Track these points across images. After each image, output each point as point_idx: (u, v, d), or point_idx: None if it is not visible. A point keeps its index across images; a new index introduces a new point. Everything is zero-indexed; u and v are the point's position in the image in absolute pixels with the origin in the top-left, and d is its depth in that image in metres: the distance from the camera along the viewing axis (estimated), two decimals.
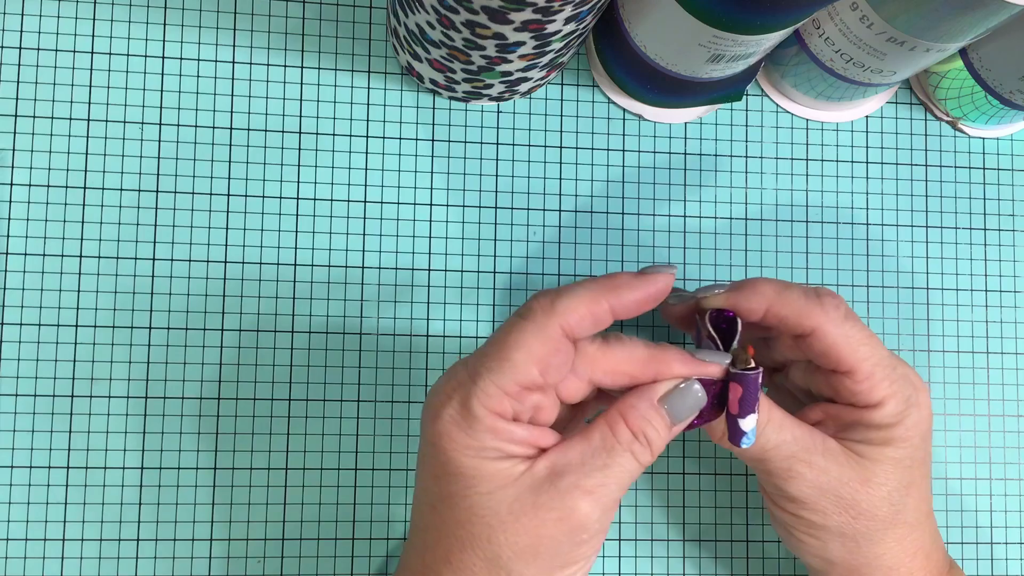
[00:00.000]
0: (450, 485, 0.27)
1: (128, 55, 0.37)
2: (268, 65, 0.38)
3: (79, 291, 0.36)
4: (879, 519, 0.31)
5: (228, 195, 0.38)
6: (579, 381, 0.29)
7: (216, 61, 0.38)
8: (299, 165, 0.38)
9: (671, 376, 0.29)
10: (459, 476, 0.27)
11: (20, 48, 0.37)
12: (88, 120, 0.37)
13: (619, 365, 0.29)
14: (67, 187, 0.37)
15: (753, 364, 0.29)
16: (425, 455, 0.29)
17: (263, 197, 0.38)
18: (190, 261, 0.37)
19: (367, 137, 0.38)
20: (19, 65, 0.37)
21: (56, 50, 0.37)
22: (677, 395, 0.28)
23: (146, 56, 0.37)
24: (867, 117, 0.42)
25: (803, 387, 0.34)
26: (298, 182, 0.38)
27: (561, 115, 0.40)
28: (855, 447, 0.31)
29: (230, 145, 0.38)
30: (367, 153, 0.38)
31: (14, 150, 0.37)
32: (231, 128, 0.38)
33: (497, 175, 0.39)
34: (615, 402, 0.29)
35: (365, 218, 0.38)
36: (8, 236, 0.36)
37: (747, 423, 0.29)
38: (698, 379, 0.29)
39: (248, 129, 0.38)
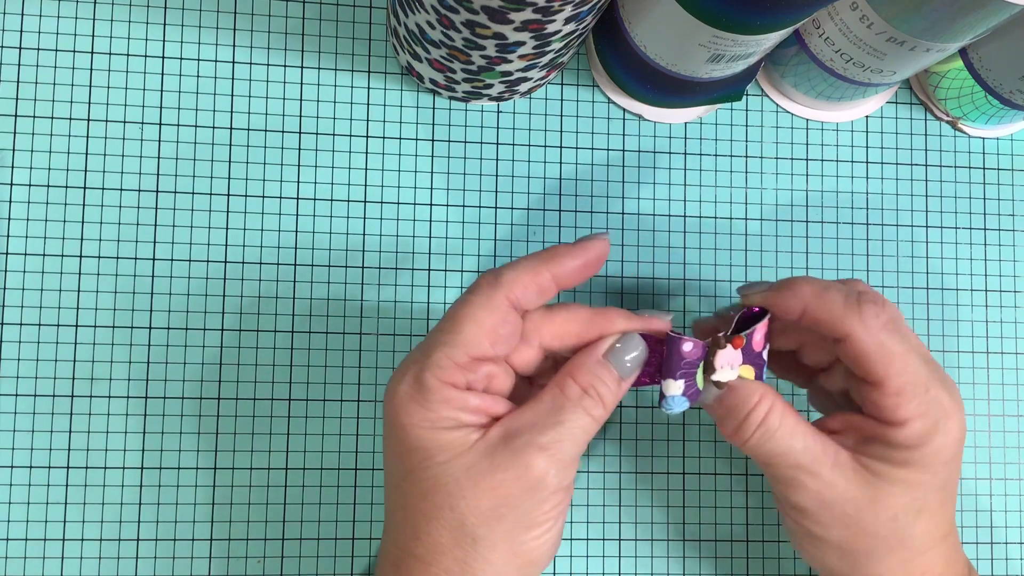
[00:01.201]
0: (410, 461, 0.28)
1: (128, 55, 0.37)
2: (268, 65, 0.38)
3: (79, 291, 0.36)
4: (881, 539, 0.30)
5: (228, 195, 0.38)
6: (530, 348, 0.30)
7: (216, 61, 0.38)
8: (299, 165, 0.38)
9: (614, 331, 0.30)
10: (417, 450, 0.28)
11: (20, 48, 0.37)
12: (88, 120, 0.37)
13: (564, 326, 0.30)
14: (67, 187, 0.37)
15: (691, 336, 0.30)
16: (386, 436, 0.29)
17: (263, 197, 0.38)
18: (190, 261, 0.37)
19: (367, 137, 0.38)
20: (19, 65, 0.37)
21: (56, 50, 0.37)
22: (620, 348, 0.29)
23: (146, 56, 0.38)
24: (867, 117, 0.42)
25: (842, 391, 0.33)
26: (298, 182, 0.38)
27: (561, 115, 0.40)
28: (870, 463, 0.30)
29: (230, 145, 0.38)
30: (367, 153, 0.38)
31: (14, 150, 0.37)
32: (231, 128, 0.38)
33: (497, 175, 0.39)
34: (564, 364, 0.29)
35: (365, 218, 0.38)
36: (8, 236, 0.36)
37: (668, 387, 0.30)
38: (643, 336, 0.30)
39: (248, 129, 0.38)
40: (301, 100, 0.38)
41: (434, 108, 0.39)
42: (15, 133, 0.37)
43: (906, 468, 0.29)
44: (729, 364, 0.30)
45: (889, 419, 0.29)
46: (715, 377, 0.30)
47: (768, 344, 0.32)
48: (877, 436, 0.30)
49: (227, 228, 0.37)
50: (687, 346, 0.29)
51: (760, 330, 0.31)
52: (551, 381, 0.29)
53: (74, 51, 0.37)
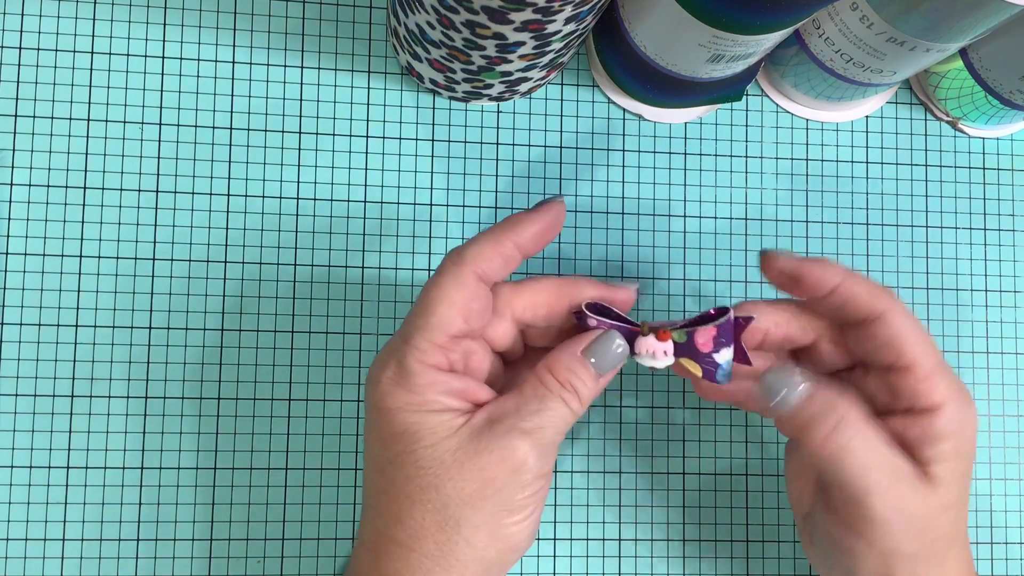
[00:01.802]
0: (396, 445, 0.28)
1: (128, 55, 0.37)
2: (268, 65, 0.38)
3: (79, 291, 0.36)
4: (943, 538, 0.30)
5: (228, 195, 0.38)
6: (503, 322, 0.31)
7: (216, 61, 0.38)
8: (299, 165, 0.38)
9: (583, 299, 0.31)
10: (403, 435, 0.28)
11: (20, 48, 0.37)
12: (88, 120, 0.37)
13: (534, 296, 0.31)
14: (67, 187, 0.37)
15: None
16: (370, 423, 0.30)
17: (263, 197, 0.38)
18: (190, 261, 0.37)
19: (367, 137, 0.38)
20: (19, 65, 0.37)
21: (56, 50, 0.37)
22: (598, 345, 0.30)
23: (146, 56, 0.38)
24: (867, 117, 0.42)
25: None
26: (298, 182, 0.38)
27: (561, 115, 0.40)
28: (926, 468, 0.29)
29: (230, 145, 0.38)
30: (367, 153, 0.38)
31: (14, 150, 0.37)
32: (231, 128, 0.38)
33: (497, 175, 0.39)
34: (543, 357, 0.30)
35: (365, 218, 0.38)
36: (8, 236, 0.36)
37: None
38: (617, 327, 0.30)
39: (248, 129, 0.38)
40: (301, 100, 0.38)
41: (434, 108, 0.39)
42: (15, 133, 0.37)
43: (952, 460, 0.29)
44: (649, 352, 0.30)
45: (925, 405, 0.29)
46: (637, 359, 0.30)
47: (729, 346, 0.30)
48: (921, 435, 0.29)
49: (227, 228, 0.37)
50: (591, 322, 0.30)
51: (704, 332, 0.30)
52: (531, 372, 0.30)
53: (74, 51, 0.37)
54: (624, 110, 0.40)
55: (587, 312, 0.30)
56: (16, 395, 0.36)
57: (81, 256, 0.37)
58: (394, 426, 0.28)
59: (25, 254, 0.36)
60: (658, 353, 0.30)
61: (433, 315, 0.28)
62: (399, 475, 0.28)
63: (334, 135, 0.38)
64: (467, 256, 0.29)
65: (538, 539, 0.38)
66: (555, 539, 0.38)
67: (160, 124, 0.37)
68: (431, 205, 0.39)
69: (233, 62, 0.38)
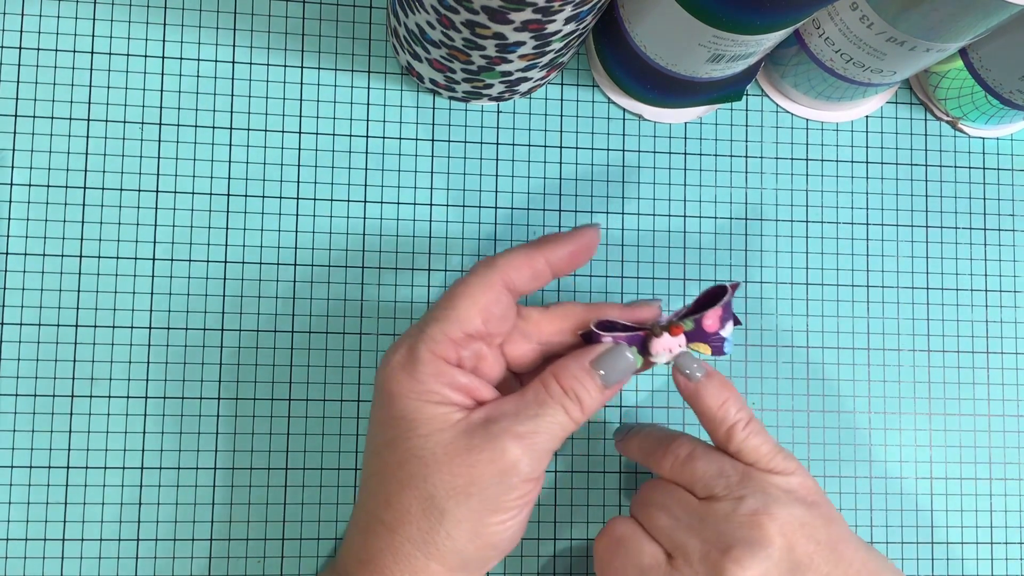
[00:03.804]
0: (393, 429, 0.29)
1: (128, 55, 0.37)
2: (268, 65, 0.38)
3: (79, 291, 0.36)
4: None
5: (228, 195, 0.38)
6: (527, 343, 0.31)
7: (216, 61, 0.38)
8: (299, 165, 0.38)
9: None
10: (401, 420, 0.29)
11: (20, 48, 0.37)
12: (88, 120, 0.37)
13: (561, 322, 0.31)
14: (67, 187, 0.37)
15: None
16: (374, 405, 0.30)
17: (263, 197, 0.38)
18: (190, 261, 0.37)
19: (367, 137, 0.38)
20: (19, 65, 0.37)
21: (56, 50, 0.37)
22: (607, 357, 0.30)
23: (146, 56, 0.38)
24: (867, 117, 0.42)
25: None
26: (298, 182, 0.38)
27: (561, 115, 0.40)
28: None
29: (230, 145, 0.38)
30: (367, 153, 0.38)
31: (14, 150, 0.37)
32: (231, 128, 0.38)
33: (497, 175, 0.39)
34: (552, 363, 0.30)
35: (365, 218, 0.38)
36: (8, 236, 0.36)
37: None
38: (628, 336, 0.30)
39: (248, 129, 0.38)
40: (301, 100, 0.38)
41: (434, 108, 0.39)
42: (15, 133, 0.37)
43: None
44: (666, 349, 0.31)
45: None
46: (653, 360, 0.31)
47: (730, 318, 0.31)
48: None
49: (227, 228, 0.37)
50: (604, 339, 0.30)
51: (712, 315, 0.31)
52: (537, 377, 0.30)
53: (74, 51, 0.37)
54: (624, 110, 0.40)
55: (596, 330, 0.30)
56: (16, 395, 0.36)
57: (81, 256, 0.37)
58: (393, 409, 0.29)
59: (25, 254, 0.36)
60: (674, 347, 0.31)
61: (453, 309, 0.29)
62: (392, 459, 0.29)
63: (334, 135, 0.38)
64: (498, 263, 0.30)
65: (537, 539, 0.38)
66: (555, 539, 0.38)
67: (160, 124, 0.37)
68: (431, 205, 0.39)
69: (233, 62, 0.38)
